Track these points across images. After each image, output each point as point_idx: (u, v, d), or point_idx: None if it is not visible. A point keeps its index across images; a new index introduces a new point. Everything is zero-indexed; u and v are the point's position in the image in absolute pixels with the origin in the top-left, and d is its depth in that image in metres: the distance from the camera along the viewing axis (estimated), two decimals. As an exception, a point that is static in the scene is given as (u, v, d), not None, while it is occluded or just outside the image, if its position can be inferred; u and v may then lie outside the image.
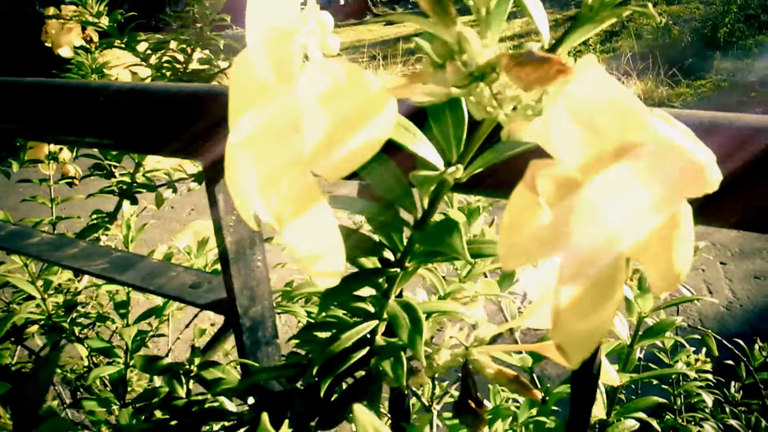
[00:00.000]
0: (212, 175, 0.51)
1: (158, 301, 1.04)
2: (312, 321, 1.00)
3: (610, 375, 0.48)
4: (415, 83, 0.26)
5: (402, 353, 0.45)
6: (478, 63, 0.26)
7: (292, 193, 0.23)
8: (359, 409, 0.26)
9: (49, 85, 0.56)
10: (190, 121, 0.49)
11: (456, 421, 0.59)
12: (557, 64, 0.20)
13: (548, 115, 0.20)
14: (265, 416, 0.22)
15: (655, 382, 0.90)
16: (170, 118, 0.50)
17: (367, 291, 0.46)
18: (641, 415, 0.70)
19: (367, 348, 0.48)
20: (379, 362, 0.46)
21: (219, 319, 1.36)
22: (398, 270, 0.42)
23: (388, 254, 0.42)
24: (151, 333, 1.05)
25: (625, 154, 0.20)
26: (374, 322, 0.46)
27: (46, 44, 1.21)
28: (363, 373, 0.51)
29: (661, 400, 0.70)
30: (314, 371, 0.45)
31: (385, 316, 0.46)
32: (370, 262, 0.45)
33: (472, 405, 0.47)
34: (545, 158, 0.24)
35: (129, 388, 0.96)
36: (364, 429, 0.24)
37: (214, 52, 1.17)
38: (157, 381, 1.14)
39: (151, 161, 1.11)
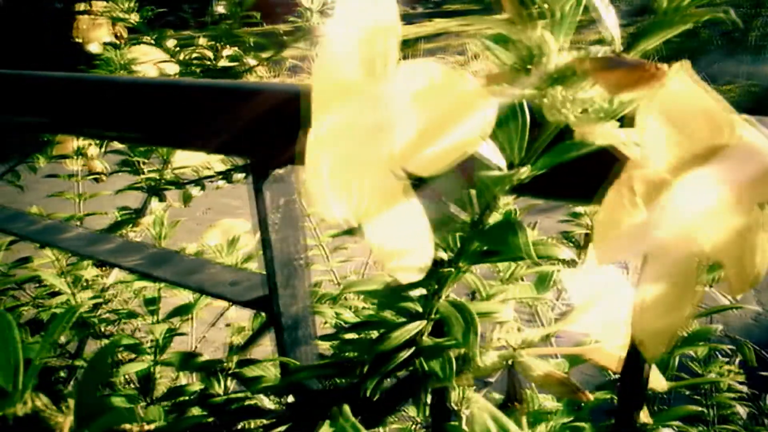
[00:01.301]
0: (259, 172, 0.52)
1: (185, 298, 1.06)
2: (341, 322, 1.01)
3: (658, 380, 0.49)
4: (491, 85, 0.27)
5: (450, 353, 0.46)
6: (557, 66, 0.27)
7: (379, 189, 0.24)
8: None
9: (109, 81, 0.58)
10: (238, 117, 0.51)
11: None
12: (651, 69, 0.21)
13: (641, 118, 0.21)
14: (346, 407, 0.23)
15: (686, 392, 0.91)
16: (218, 113, 0.51)
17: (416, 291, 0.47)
18: (678, 423, 0.71)
19: (413, 348, 0.49)
20: (427, 362, 0.47)
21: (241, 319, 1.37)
22: (452, 270, 0.43)
23: (440, 254, 0.43)
24: (175, 332, 1.06)
25: (712, 156, 0.21)
26: (422, 322, 0.47)
27: (76, 40, 1.23)
28: (397, 374, 0.52)
29: (699, 408, 0.71)
30: (365, 370, 0.46)
31: (432, 316, 0.47)
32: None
33: (517, 407, 0.48)
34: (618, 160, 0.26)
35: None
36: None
37: (243, 49, 1.19)
38: (183, 379, 1.16)
39: (179, 158, 1.12)
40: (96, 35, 1.23)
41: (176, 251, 0.72)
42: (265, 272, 0.67)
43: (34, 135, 1.34)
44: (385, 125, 0.23)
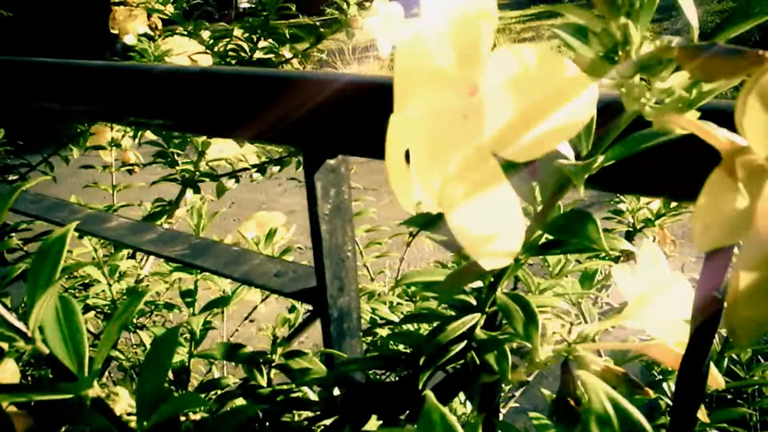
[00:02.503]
0: (311, 162, 0.53)
1: (219, 292, 1.07)
2: (376, 318, 1.02)
3: (716, 379, 0.49)
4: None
5: (506, 347, 0.46)
6: (642, 55, 0.27)
7: (469, 174, 0.24)
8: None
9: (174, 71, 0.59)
10: (292, 106, 0.52)
11: (544, 420, 0.61)
12: (753, 56, 0.21)
13: (742, 104, 0.21)
14: (430, 393, 0.24)
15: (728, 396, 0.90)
16: (273, 103, 0.52)
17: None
18: (725, 425, 0.71)
19: (466, 341, 0.49)
20: (481, 355, 0.47)
21: (263, 316, 1.38)
22: (512, 261, 0.43)
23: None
24: (210, 325, 1.08)
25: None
26: (477, 315, 0.47)
27: (113, 31, 1.25)
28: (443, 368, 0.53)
29: (749, 411, 0.71)
30: (421, 362, 0.46)
31: (487, 308, 0.47)
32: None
33: (572, 404, 0.49)
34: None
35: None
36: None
37: (279, 41, 1.20)
38: (215, 372, 1.17)
39: (214, 151, 1.14)
40: (132, 26, 1.25)
41: (218, 241, 0.73)
42: (307, 264, 0.68)
43: (68, 126, 1.36)
44: (477, 111, 0.24)
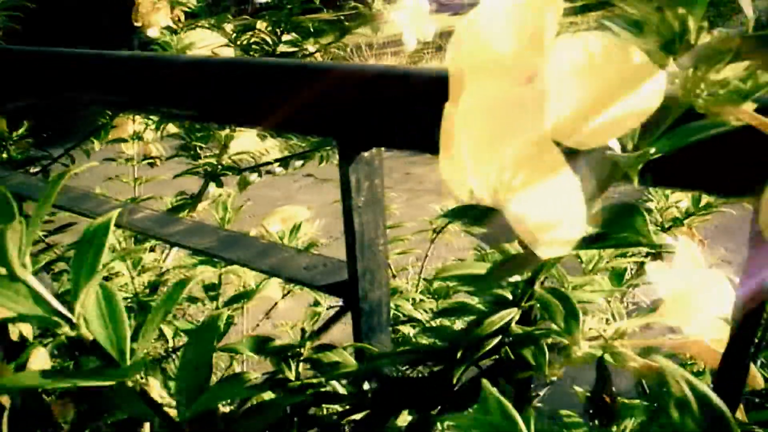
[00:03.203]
0: (346, 154, 0.53)
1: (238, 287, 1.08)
2: (399, 314, 1.02)
3: (756, 378, 0.49)
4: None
5: (543, 342, 0.46)
6: (699, 46, 0.27)
7: (528, 162, 0.25)
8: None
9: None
10: (327, 97, 0.52)
11: (575, 418, 0.61)
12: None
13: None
14: (486, 382, 0.24)
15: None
16: (308, 94, 0.52)
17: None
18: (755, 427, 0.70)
19: (500, 336, 0.49)
20: (518, 350, 0.47)
21: (278, 313, 1.39)
22: (569, 250, 0.43)
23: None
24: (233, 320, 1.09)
25: None
26: (513, 310, 0.47)
27: (136, 24, 1.26)
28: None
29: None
30: (458, 355, 0.46)
31: (524, 303, 0.48)
32: (513, 248, 0.46)
33: (608, 401, 0.49)
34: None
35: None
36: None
37: (303, 34, 1.20)
38: (236, 367, 1.18)
39: (237, 144, 1.14)
40: (156, 19, 1.25)
41: (247, 234, 0.73)
42: (334, 258, 0.69)
43: (89, 119, 1.38)
44: (538, 99, 0.24)
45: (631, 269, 0.87)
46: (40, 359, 0.55)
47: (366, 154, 0.54)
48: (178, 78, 0.60)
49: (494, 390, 0.23)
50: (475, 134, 0.27)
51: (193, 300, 1.04)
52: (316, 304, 0.90)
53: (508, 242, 0.45)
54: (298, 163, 1.15)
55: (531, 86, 0.25)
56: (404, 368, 0.67)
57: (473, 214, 0.43)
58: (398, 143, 0.51)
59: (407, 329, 1.06)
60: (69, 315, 0.35)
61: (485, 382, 0.24)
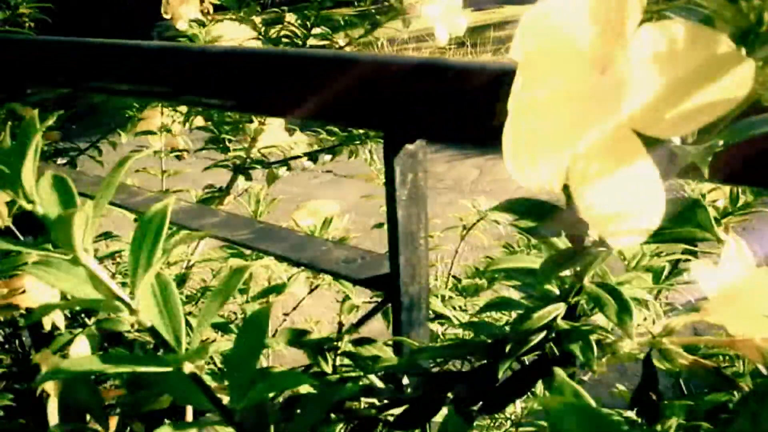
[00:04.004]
0: (392, 146, 0.54)
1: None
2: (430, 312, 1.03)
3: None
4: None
5: (590, 337, 0.47)
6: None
7: (605, 151, 0.25)
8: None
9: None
10: (374, 89, 0.53)
11: (617, 417, 0.61)
12: None
13: None
14: (559, 369, 0.24)
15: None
16: (355, 85, 0.53)
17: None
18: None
19: (546, 331, 0.50)
20: (563, 346, 0.48)
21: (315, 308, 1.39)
22: (604, 250, 0.44)
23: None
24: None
25: None
26: (561, 305, 0.48)
27: (165, 15, 1.27)
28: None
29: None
30: (506, 349, 0.47)
31: (571, 298, 0.48)
32: (562, 243, 0.47)
33: (655, 398, 0.49)
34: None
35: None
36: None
37: (333, 27, 1.21)
38: (263, 361, 1.19)
39: (266, 137, 1.15)
40: (185, 11, 1.27)
41: (282, 227, 0.74)
42: (371, 251, 0.69)
43: (117, 111, 1.39)
44: (616, 88, 0.24)
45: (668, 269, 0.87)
46: (82, 348, 0.56)
47: (411, 146, 0.54)
48: (230, 69, 0.60)
49: (567, 379, 0.24)
50: (545, 124, 0.27)
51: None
52: (347, 299, 0.90)
53: (560, 235, 0.45)
54: (327, 157, 1.16)
55: (609, 75, 0.25)
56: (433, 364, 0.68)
57: (525, 207, 0.44)
58: (444, 136, 0.51)
59: (434, 326, 1.06)
60: (129, 300, 0.35)
61: (558, 370, 0.25)
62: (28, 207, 0.34)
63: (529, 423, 1.02)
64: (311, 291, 1.13)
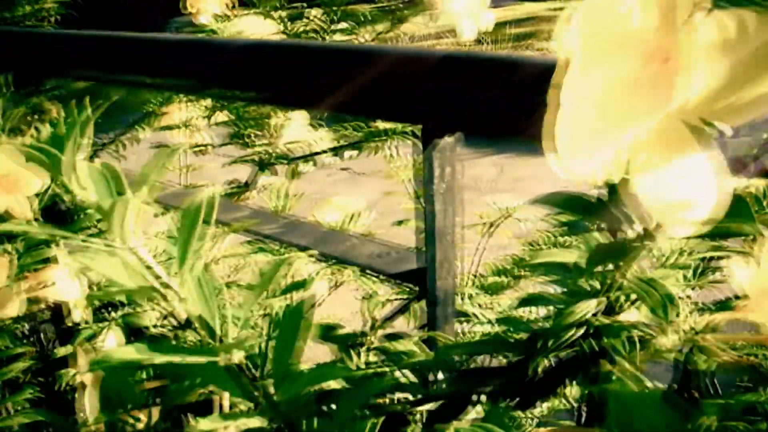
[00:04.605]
0: (429, 139, 0.54)
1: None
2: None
3: None
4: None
5: (633, 332, 0.47)
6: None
7: (660, 140, 0.25)
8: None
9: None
10: (412, 83, 0.53)
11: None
12: None
13: None
14: (613, 360, 0.25)
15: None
16: (393, 79, 0.53)
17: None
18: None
19: (583, 327, 0.50)
20: (601, 342, 0.48)
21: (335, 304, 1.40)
22: (648, 244, 0.44)
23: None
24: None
25: None
26: (600, 300, 0.48)
27: (191, 10, 1.28)
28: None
29: None
30: (539, 345, 0.47)
31: (611, 292, 0.48)
32: (603, 237, 0.47)
33: (695, 396, 0.49)
34: None
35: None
36: None
37: (357, 22, 1.21)
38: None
39: (290, 133, 1.16)
40: (208, 5, 1.27)
41: (310, 221, 0.75)
42: (401, 246, 0.70)
43: (137, 105, 1.40)
44: (671, 78, 0.24)
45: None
46: (116, 341, 0.57)
47: (449, 140, 0.55)
48: (264, 61, 0.61)
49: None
50: (597, 114, 0.27)
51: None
52: (372, 295, 0.91)
53: (601, 229, 0.46)
54: (352, 153, 1.16)
55: (661, 65, 0.25)
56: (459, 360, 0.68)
57: (566, 202, 0.44)
58: (482, 129, 0.51)
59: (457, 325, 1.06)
60: (177, 289, 0.36)
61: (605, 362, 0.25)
62: (79, 194, 0.34)
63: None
64: (337, 287, 1.13)
